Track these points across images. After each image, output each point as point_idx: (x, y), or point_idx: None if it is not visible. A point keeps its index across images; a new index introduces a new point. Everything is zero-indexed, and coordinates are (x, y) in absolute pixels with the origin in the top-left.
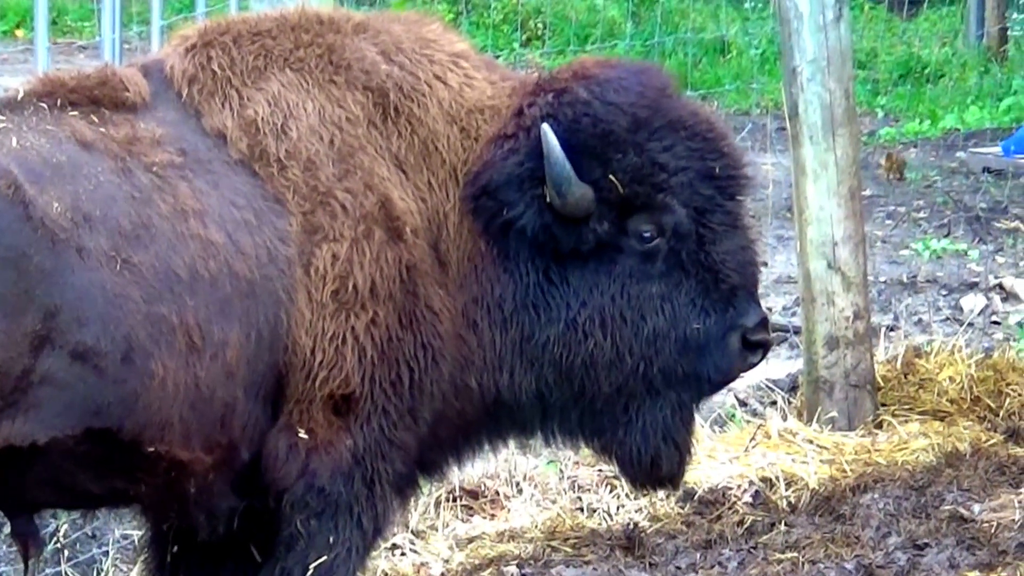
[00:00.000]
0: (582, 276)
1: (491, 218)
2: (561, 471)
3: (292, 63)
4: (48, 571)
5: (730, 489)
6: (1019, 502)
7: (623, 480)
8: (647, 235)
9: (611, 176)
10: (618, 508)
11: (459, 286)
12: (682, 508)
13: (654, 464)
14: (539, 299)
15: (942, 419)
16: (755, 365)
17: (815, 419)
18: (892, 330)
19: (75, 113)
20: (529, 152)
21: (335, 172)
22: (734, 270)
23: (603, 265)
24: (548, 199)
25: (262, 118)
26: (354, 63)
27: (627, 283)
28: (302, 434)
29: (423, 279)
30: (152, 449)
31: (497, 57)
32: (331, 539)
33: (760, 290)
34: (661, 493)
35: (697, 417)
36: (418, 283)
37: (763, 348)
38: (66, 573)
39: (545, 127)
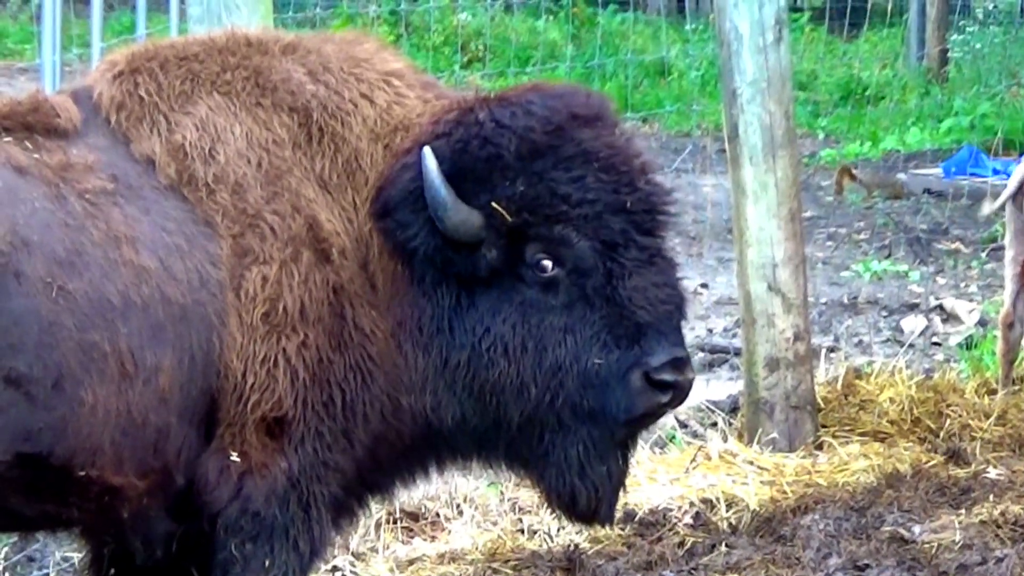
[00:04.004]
0: (487, 302)
1: (391, 237)
2: (502, 493)
3: (219, 86)
4: None
5: (671, 511)
6: (959, 523)
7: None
8: (543, 266)
9: (494, 203)
10: (559, 530)
11: (387, 307)
12: (623, 530)
13: (573, 500)
14: (453, 322)
15: (882, 440)
16: (666, 405)
17: (756, 440)
18: (833, 351)
19: (9, 139)
20: (421, 170)
21: (263, 195)
22: (642, 307)
23: (505, 293)
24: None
25: (190, 143)
26: (280, 84)
27: (528, 312)
28: (234, 457)
29: (353, 300)
30: (83, 474)
31: (438, 79)
32: (267, 563)
33: (701, 312)
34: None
35: (635, 451)
36: (346, 304)
37: (672, 388)
38: None
39: (427, 148)
